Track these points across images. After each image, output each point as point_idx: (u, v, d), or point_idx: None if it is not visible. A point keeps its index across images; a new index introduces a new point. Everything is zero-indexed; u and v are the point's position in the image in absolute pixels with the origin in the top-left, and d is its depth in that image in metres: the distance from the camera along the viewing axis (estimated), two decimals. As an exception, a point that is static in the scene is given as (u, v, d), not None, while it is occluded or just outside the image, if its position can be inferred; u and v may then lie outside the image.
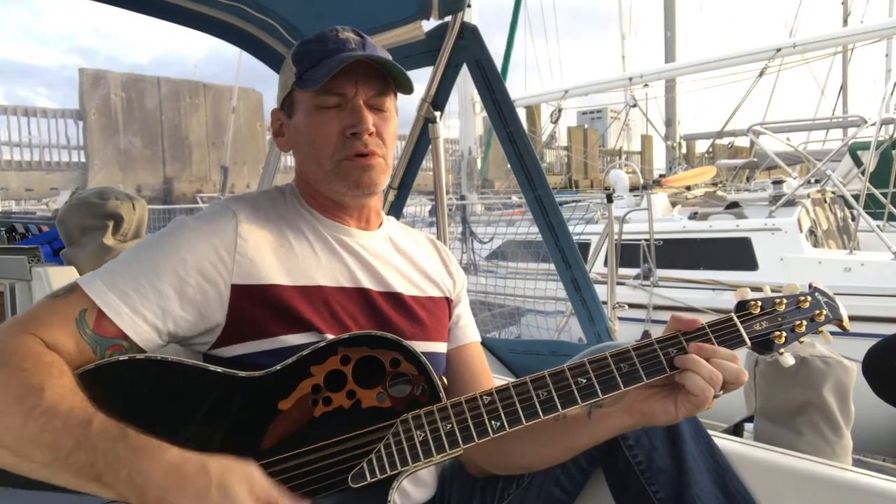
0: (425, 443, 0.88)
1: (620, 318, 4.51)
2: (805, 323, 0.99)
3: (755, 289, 1.02)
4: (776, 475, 1.12)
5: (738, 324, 0.97)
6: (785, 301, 1.00)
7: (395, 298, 1.10)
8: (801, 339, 0.99)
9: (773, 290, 1.04)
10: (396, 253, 1.17)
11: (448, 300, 1.21)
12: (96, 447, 0.76)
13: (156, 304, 0.93)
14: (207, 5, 1.83)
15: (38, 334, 0.86)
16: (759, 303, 1.00)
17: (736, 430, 2.09)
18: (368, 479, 0.86)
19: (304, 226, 1.09)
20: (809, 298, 1.01)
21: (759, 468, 1.13)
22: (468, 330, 1.23)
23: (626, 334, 5.26)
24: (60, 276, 1.74)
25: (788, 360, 0.97)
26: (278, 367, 0.91)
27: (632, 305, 5.47)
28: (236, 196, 1.09)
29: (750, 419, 2.06)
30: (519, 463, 1.09)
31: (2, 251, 1.97)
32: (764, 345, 0.98)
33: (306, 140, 1.07)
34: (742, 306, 1.00)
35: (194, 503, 0.74)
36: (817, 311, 1.01)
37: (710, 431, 1.15)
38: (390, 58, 1.06)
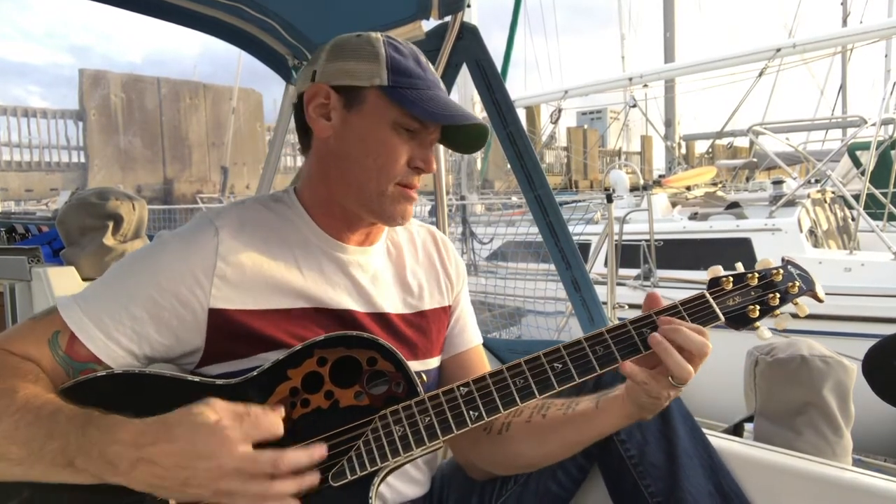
0: (404, 437, 0.88)
1: (620, 319, 4.50)
2: (778, 296, 1.00)
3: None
4: (776, 475, 1.12)
5: (711, 300, 0.98)
6: (757, 275, 1.01)
7: (382, 319, 1.08)
8: (776, 313, 1.00)
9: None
10: (391, 265, 1.14)
11: (445, 308, 1.19)
12: (67, 433, 0.77)
13: (130, 329, 0.92)
14: (207, 5, 1.83)
15: (13, 350, 0.88)
16: (731, 279, 1.01)
17: (736, 430, 2.09)
18: (349, 476, 0.86)
19: (295, 241, 1.04)
20: (782, 271, 1.02)
21: (759, 468, 1.13)
22: (466, 335, 1.21)
23: (626, 334, 5.21)
24: (60, 276, 1.74)
25: (765, 333, 0.99)
26: (255, 373, 0.91)
27: (632, 306, 5.45)
28: (223, 208, 1.05)
29: (750, 419, 2.06)
30: (524, 462, 1.09)
31: (2, 251, 1.97)
32: (738, 320, 0.99)
33: (369, 152, 1.00)
34: (714, 283, 1.01)
35: (167, 452, 0.75)
36: (790, 284, 1.02)
37: (709, 431, 1.16)
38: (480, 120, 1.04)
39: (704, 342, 0.90)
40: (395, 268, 1.15)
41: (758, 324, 0.99)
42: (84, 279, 1.79)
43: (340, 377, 0.91)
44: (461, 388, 0.91)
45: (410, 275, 1.15)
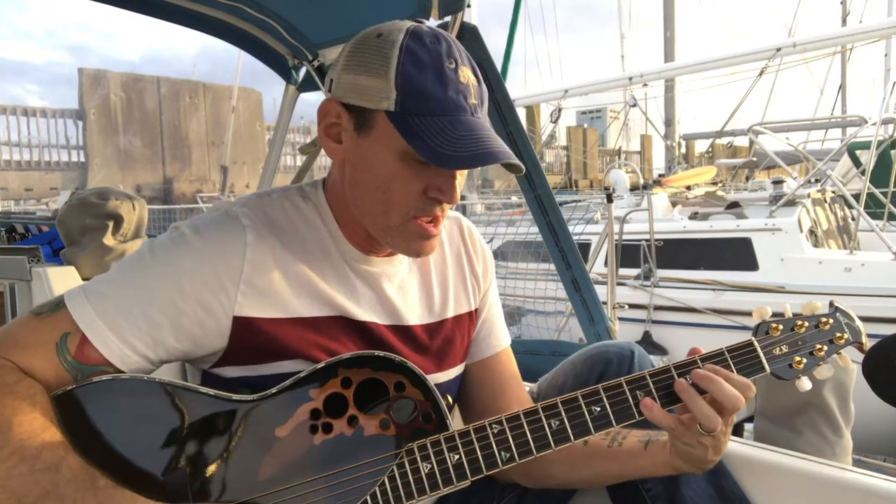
0: (432, 475, 0.84)
1: (620, 319, 4.51)
2: (825, 347, 0.96)
3: (777, 313, 0.98)
4: (776, 475, 1.12)
5: (759, 349, 0.94)
6: (805, 323, 0.97)
7: (405, 332, 1.02)
8: (820, 363, 0.96)
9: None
10: (417, 271, 1.07)
11: (471, 313, 1.12)
12: (64, 497, 0.72)
13: (147, 334, 0.85)
14: (207, 5, 1.83)
15: (14, 359, 0.81)
16: (780, 326, 0.96)
17: (736, 430, 2.08)
18: None
19: (321, 250, 0.97)
20: (831, 320, 0.98)
21: (759, 468, 1.13)
22: (493, 338, 1.15)
23: (626, 334, 5.27)
24: (60, 276, 1.74)
25: (805, 384, 0.94)
26: (274, 390, 0.85)
27: (632, 306, 5.48)
28: (250, 203, 0.96)
29: (750, 419, 2.06)
30: (555, 483, 1.08)
31: (2, 251, 1.97)
32: (782, 370, 0.95)
33: (379, 183, 0.90)
34: (761, 328, 0.96)
35: None
36: (838, 335, 0.97)
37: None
38: (512, 156, 0.87)
39: (738, 396, 0.86)
40: (421, 273, 1.07)
41: (800, 375, 0.95)
42: (84, 279, 1.79)
43: (365, 401, 0.86)
44: (493, 426, 0.87)
45: (436, 279, 1.09)
